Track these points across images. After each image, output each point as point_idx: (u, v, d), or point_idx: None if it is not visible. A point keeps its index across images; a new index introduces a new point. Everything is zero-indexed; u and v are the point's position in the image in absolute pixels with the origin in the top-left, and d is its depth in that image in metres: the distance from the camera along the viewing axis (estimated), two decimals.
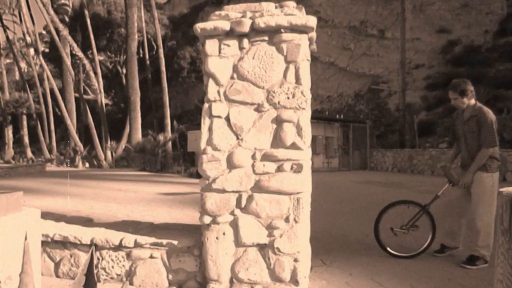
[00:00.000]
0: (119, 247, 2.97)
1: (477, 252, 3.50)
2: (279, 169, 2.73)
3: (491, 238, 3.47)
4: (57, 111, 24.81)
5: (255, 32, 2.76)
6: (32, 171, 15.39)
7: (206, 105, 2.83)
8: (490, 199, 3.49)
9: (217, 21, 2.77)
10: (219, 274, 2.76)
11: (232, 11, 2.83)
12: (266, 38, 2.77)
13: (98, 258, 3.00)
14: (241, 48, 2.80)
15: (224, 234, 2.77)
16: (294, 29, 2.72)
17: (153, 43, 26.74)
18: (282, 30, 2.72)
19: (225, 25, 2.74)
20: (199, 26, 2.78)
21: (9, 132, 30.27)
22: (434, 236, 3.83)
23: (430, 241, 3.81)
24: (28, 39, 28.81)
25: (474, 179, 3.59)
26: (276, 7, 2.81)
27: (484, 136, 3.47)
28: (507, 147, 14.45)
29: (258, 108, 2.78)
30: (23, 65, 38.72)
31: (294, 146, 2.72)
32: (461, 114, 3.80)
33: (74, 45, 22.37)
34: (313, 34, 2.93)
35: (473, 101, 3.63)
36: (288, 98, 2.74)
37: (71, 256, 3.08)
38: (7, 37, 26.94)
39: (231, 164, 2.77)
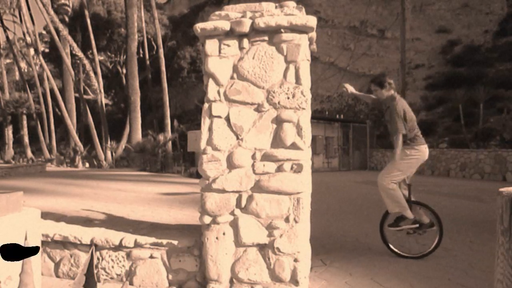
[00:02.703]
0: (119, 247, 2.97)
1: (394, 211, 3.78)
2: (279, 169, 2.73)
3: (396, 197, 3.72)
4: (57, 111, 24.79)
5: (255, 32, 2.76)
6: (32, 171, 15.37)
7: (206, 105, 2.84)
8: (397, 163, 3.74)
9: (217, 21, 2.77)
10: (219, 274, 2.77)
11: (232, 11, 2.83)
12: (266, 38, 2.77)
13: (98, 258, 3.00)
14: (241, 48, 2.80)
15: (224, 234, 2.77)
16: (294, 29, 2.72)
17: (153, 43, 26.74)
18: (282, 30, 2.72)
19: (225, 25, 2.74)
20: (199, 26, 2.78)
21: (9, 132, 30.25)
22: (441, 224, 3.83)
23: (440, 232, 3.81)
24: (28, 39, 28.77)
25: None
26: (276, 7, 2.81)
27: (394, 123, 3.72)
28: (507, 147, 14.46)
29: (258, 108, 2.78)
30: (23, 65, 38.75)
31: (294, 146, 2.73)
32: (385, 105, 4.03)
33: (74, 45, 22.35)
34: (313, 34, 2.93)
35: (391, 92, 3.86)
36: (288, 98, 2.74)
37: (71, 256, 3.08)
38: (7, 37, 26.91)
39: (231, 164, 2.77)
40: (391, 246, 3.85)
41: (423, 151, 3.79)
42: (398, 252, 3.81)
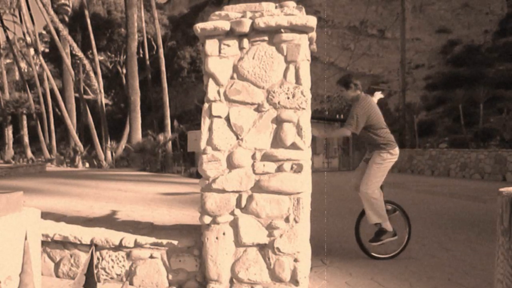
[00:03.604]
0: (119, 247, 2.97)
1: (374, 223, 3.73)
2: (279, 169, 2.73)
3: (381, 208, 3.70)
4: (57, 111, 24.80)
5: (255, 32, 2.76)
6: (32, 171, 15.38)
7: (206, 105, 2.83)
8: (372, 171, 3.72)
9: (217, 21, 2.77)
10: (219, 274, 2.76)
11: (232, 11, 2.83)
12: (266, 38, 2.77)
13: (98, 258, 3.00)
14: (241, 48, 2.80)
15: (224, 234, 2.77)
16: (294, 29, 2.72)
17: (153, 43, 26.72)
18: (282, 30, 2.72)
19: (225, 25, 2.74)
20: (199, 26, 2.78)
21: (9, 132, 30.26)
22: (410, 224, 3.90)
23: (408, 229, 3.88)
24: (28, 39, 28.77)
25: (372, 155, 3.83)
26: (276, 7, 2.81)
27: (349, 118, 3.70)
28: (507, 147, 14.46)
29: (258, 108, 2.78)
30: (23, 65, 38.73)
31: (294, 146, 2.72)
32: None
33: (74, 45, 22.36)
34: (313, 34, 2.93)
35: (357, 93, 3.84)
36: (288, 98, 2.74)
37: (71, 256, 3.08)
38: (7, 37, 26.91)
39: (231, 164, 2.77)
40: (366, 248, 3.82)
41: (396, 153, 3.79)
42: (374, 254, 3.78)
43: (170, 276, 2.93)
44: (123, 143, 21.97)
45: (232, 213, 2.77)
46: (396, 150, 3.79)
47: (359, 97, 3.77)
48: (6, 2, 26.69)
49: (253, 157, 2.77)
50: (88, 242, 3.01)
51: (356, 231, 3.89)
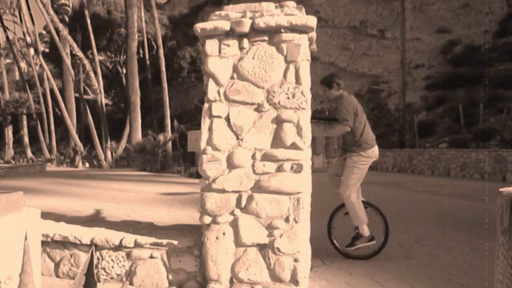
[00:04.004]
0: (119, 247, 2.97)
1: (354, 225, 3.80)
2: (279, 169, 2.73)
3: (358, 211, 3.73)
4: (57, 111, 24.79)
5: (255, 32, 2.76)
6: (32, 171, 15.37)
7: (206, 105, 2.83)
8: (346, 174, 3.74)
9: (217, 21, 2.77)
10: (219, 274, 2.76)
11: (232, 11, 2.83)
12: (266, 38, 2.77)
13: (98, 258, 3.00)
14: (241, 48, 2.80)
15: (224, 234, 2.77)
16: (294, 29, 2.72)
17: (153, 43, 26.72)
18: (282, 30, 2.72)
19: (225, 25, 2.74)
20: (199, 26, 2.78)
21: (9, 132, 30.25)
22: (387, 226, 3.82)
23: (386, 230, 3.80)
24: (28, 39, 28.77)
25: (347, 158, 3.83)
26: (276, 7, 2.81)
27: (338, 115, 3.73)
28: (507, 147, 14.46)
29: (258, 108, 2.78)
30: (23, 65, 38.74)
31: (294, 146, 2.72)
32: (335, 104, 4.04)
33: (74, 45, 22.35)
34: (313, 34, 2.93)
35: (340, 92, 3.85)
36: (288, 98, 2.74)
37: (71, 256, 3.08)
38: (7, 37, 26.90)
39: (231, 164, 2.77)
40: (338, 246, 3.83)
41: (370, 155, 3.73)
42: (347, 253, 3.78)
43: (170, 276, 2.93)
44: (123, 143, 21.97)
45: (232, 213, 2.77)
46: (370, 152, 3.72)
47: (342, 96, 3.78)
48: (6, 2, 26.69)
49: (253, 157, 2.77)
50: (88, 242, 3.01)
51: (329, 230, 3.90)
